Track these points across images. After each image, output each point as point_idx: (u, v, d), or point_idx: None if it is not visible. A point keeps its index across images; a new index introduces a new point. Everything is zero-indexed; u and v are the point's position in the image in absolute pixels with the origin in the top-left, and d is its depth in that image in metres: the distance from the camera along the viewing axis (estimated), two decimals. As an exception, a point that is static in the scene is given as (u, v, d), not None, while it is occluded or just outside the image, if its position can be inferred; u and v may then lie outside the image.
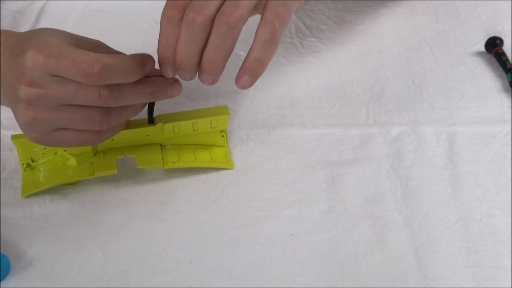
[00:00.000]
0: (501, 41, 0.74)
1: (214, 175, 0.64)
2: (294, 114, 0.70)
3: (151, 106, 0.61)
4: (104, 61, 0.53)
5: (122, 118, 0.58)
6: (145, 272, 0.56)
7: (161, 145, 0.63)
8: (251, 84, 0.55)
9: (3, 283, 0.55)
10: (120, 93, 0.55)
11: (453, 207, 0.60)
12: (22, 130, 0.57)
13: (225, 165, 0.64)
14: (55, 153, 0.62)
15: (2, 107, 0.68)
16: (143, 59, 0.56)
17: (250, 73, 0.55)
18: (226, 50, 0.54)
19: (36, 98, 0.54)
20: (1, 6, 0.84)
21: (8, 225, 0.60)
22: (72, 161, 0.62)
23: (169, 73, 0.56)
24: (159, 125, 0.62)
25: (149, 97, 0.58)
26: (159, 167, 0.62)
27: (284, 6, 0.54)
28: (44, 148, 0.62)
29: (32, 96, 0.54)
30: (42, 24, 0.82)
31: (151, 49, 0.80)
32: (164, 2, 0.84)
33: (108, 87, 0.54)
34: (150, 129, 0.62)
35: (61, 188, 0.63)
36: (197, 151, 0.64)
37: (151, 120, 0.62)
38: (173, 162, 0.63)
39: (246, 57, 0.55)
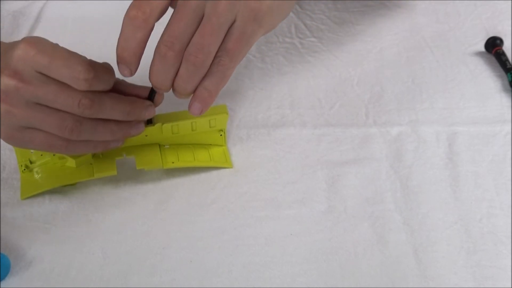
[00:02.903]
0: (501, 41, 0.74)
1: (214, 175, 0.64)
2: (294, 114, 0.70)
3: None
4: (97, 69, 0.53)
5: (95, 135, 0.57)
6: (145, 272, 0.56)
7: (159, 145, 0.63)
8: (201, 111, 0.56)
9: (3, 283, 0.55)
10: (99, 106, 0.55)
11: (453, 207, 0.60)
12: None
13: (224, 164, 0.64)
14: (54, 155, 0.62)
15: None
16: (109, 66, 0.56)
17: (199, 100, 0.56)
18: (196, 81, 0.55)
19: (14, 90, 0.53)
20: (1, 6, 0.84)
21: (8, 225, 0.60)
22: (71, 163, 0.62)
23: (125, 73, 0.55)
24: (157, 125, 0.62)
25: (125, 115, 0.57)
26: (158, 167, 0.62)
27: (236, 42, 0.54)
28: None
29: (11, 88, 0.53)
30: (42, 24, 0.82)
31: (151, 49, 0.80)
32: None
33: (90, 98, 0.54)
34: (149, 129, 0.62)
35: (61, 188, 0.63)
36: (196, 151, 0.64)
37: (149, 120, 0.62)
38: (172, 162, 0.63)
39: (198, 85, 0.56)
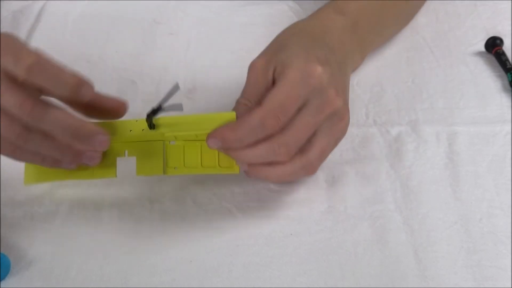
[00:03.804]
0: (501, 41, 0.74)
1: (214, 174, 0.63)
2: (294, 114, 0.69)
3: (152, 113, 0.57)
4: (42, 58, 0.51)
5: (42, 148, 0.55)
6: (145, 272, 0.56)
7: (164, 143, 0.60)
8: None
9: (3, 283, 0.55)
10: (41, 113, 0.52)
11: (453, 207, 0.60)
12: None
13: (230, 170, 0.60)
14: None
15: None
16: (81, 81, 0.52)
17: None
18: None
19: None
20: (1, 6, 0.84)
21: (8, 225, 0.60)
22: None
23: (215, 147, 0.56)
24: (159, 133, 0.58)
25: (67, 135, 0.53)
26: (159, 174, 0.60)
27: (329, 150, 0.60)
28: None
29: None
30: (42, 24, 0.82)
31: (151, 49, 0.80)
32: (160, 2, 0.84)
33: (34, 102, 0.52)
34: (151, 134, 0.59)
35: (61, 188, 0.63)
36: (203, 151, 0.60)
37: (152, 125, 0.58)
38: (175, 168, 0.60)
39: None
